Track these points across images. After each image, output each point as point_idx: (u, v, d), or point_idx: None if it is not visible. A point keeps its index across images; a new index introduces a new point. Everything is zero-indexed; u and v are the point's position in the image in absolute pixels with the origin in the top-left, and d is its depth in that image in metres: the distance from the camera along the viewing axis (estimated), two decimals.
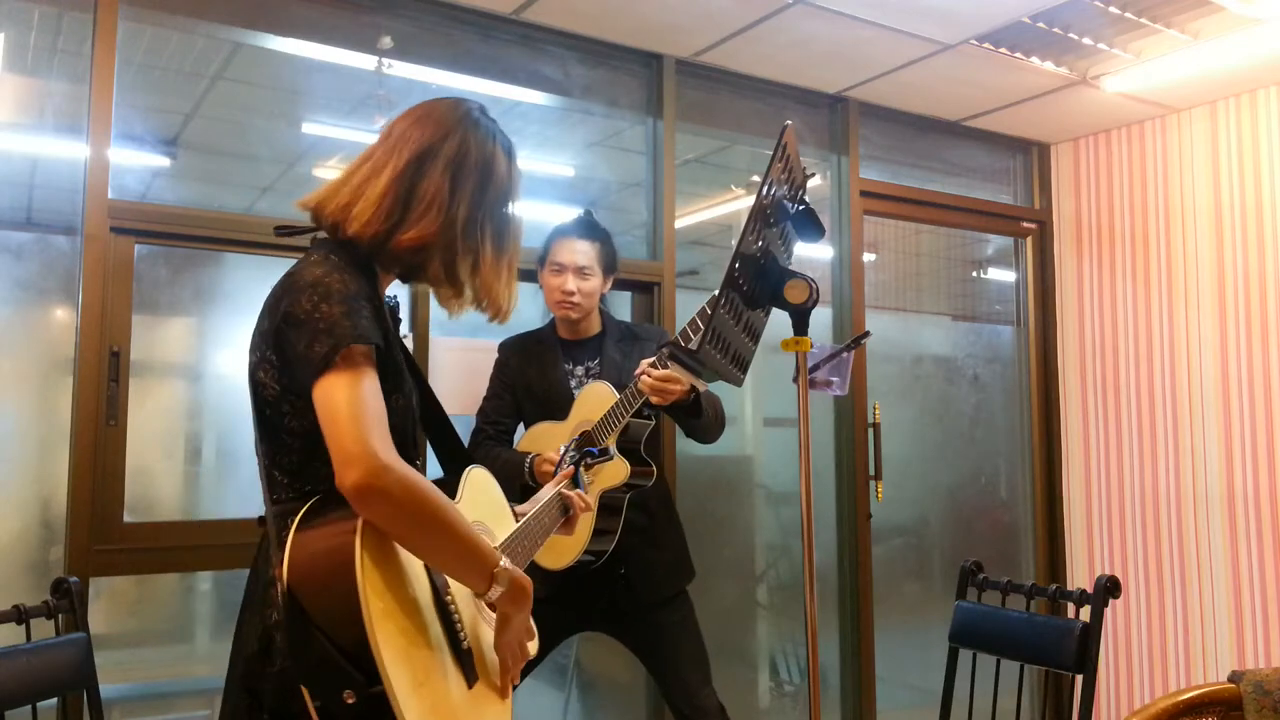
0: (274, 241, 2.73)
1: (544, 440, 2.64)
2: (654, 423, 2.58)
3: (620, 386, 2.51)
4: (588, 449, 2.11)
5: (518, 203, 1.58)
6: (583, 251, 2.67)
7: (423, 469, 1.71)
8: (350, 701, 1.21)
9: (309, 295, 1.36)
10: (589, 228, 2.73)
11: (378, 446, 1.26)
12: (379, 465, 1.25)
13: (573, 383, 2.68)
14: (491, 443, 2.70)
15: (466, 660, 1.41)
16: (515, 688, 1.54)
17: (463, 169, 1.48)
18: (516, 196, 1.57)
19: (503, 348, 2.81)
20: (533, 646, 1.58)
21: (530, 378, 2.71)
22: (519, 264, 1.58)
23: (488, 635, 1.51)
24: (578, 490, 1.93)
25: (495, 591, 1.39)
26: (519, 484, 2.57)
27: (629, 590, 2.60)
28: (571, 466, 1.99)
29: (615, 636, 2.71)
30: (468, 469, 1.62)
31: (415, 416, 1.56)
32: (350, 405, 1.28)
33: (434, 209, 1.45)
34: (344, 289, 1.37)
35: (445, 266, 1.48)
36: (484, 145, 1.52)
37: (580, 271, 2.65)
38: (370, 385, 1.32)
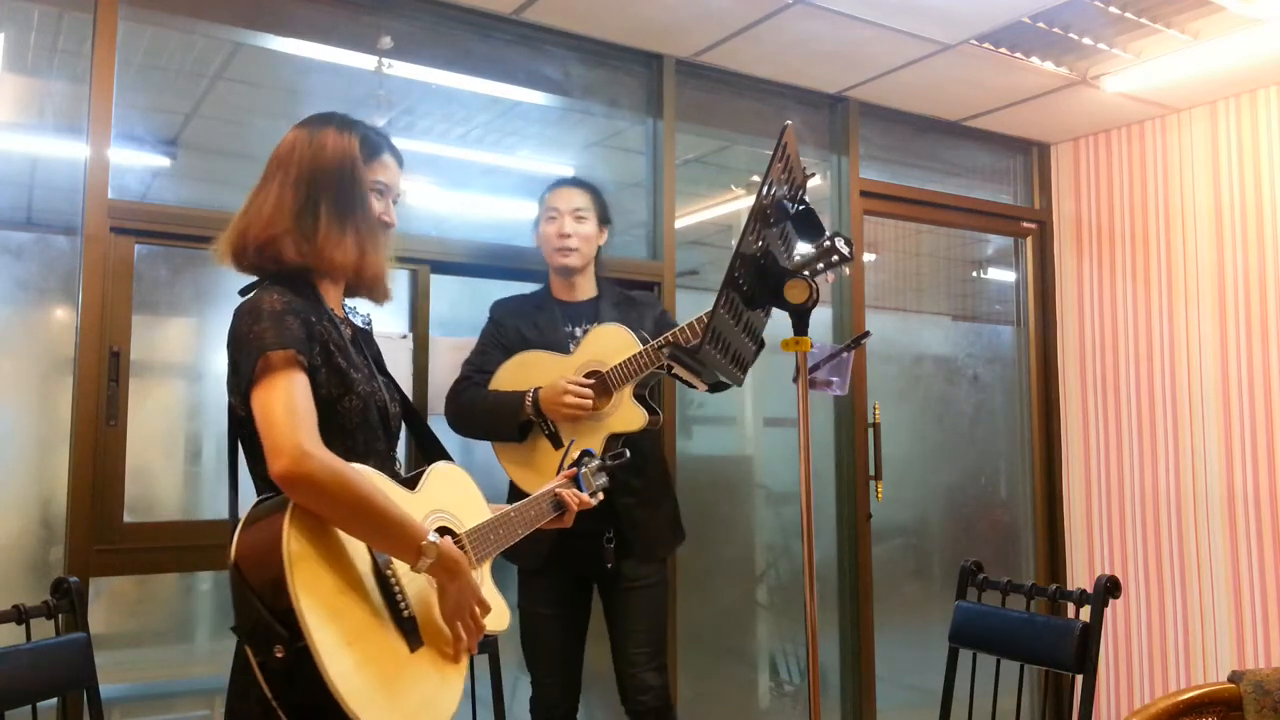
0: None
1: (539, 370, 2.59)
2: (665, 372, 2.57)
3: None
4: (586, 450, 2.13)
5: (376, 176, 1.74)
6: (577, 196, 2.71)
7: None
8: (280, 655, 1.38)
9: (244, 319, 1.58)
10: (580, 180, 2.80)
11: (302, 438, 1.45)
12: (301, 453, 1.43)
13: (572, 345, 2.66)
14: (479, 387, 2.66)
15: (408, 626, 1.55)
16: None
17: (289, 166, 1.69)
18: (352, 175, 1.70)
19: (496, 308, 2.79)
20: (497, 620, 1.72)
21: (529, 338, 2.68)
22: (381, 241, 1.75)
23: None
24: (574, 490, 2.02)
25: (424, 563, 1.53)
26: (517, 420, 2.54)
27: (625, 549, 2.60)
28: (574, 469, 2.05)
29: (601, 595, 2.72)
30: (433, 464, 1.77)
31: (384, 413, 1.72)
32: (277, 404, 1.48)
33: (269, 204, 1.68)
34: (272, 307, 1.57)
35: (295, 248, 1.65)
36: (311, 139, 1.70)
37: (575, 214, 2.68)
38: (296, 386, 1.51)
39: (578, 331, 2.69)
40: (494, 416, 2.60)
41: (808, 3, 3.02)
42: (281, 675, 1.40)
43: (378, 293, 1.77)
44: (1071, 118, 4.09)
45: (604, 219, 2.77)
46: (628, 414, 2.50)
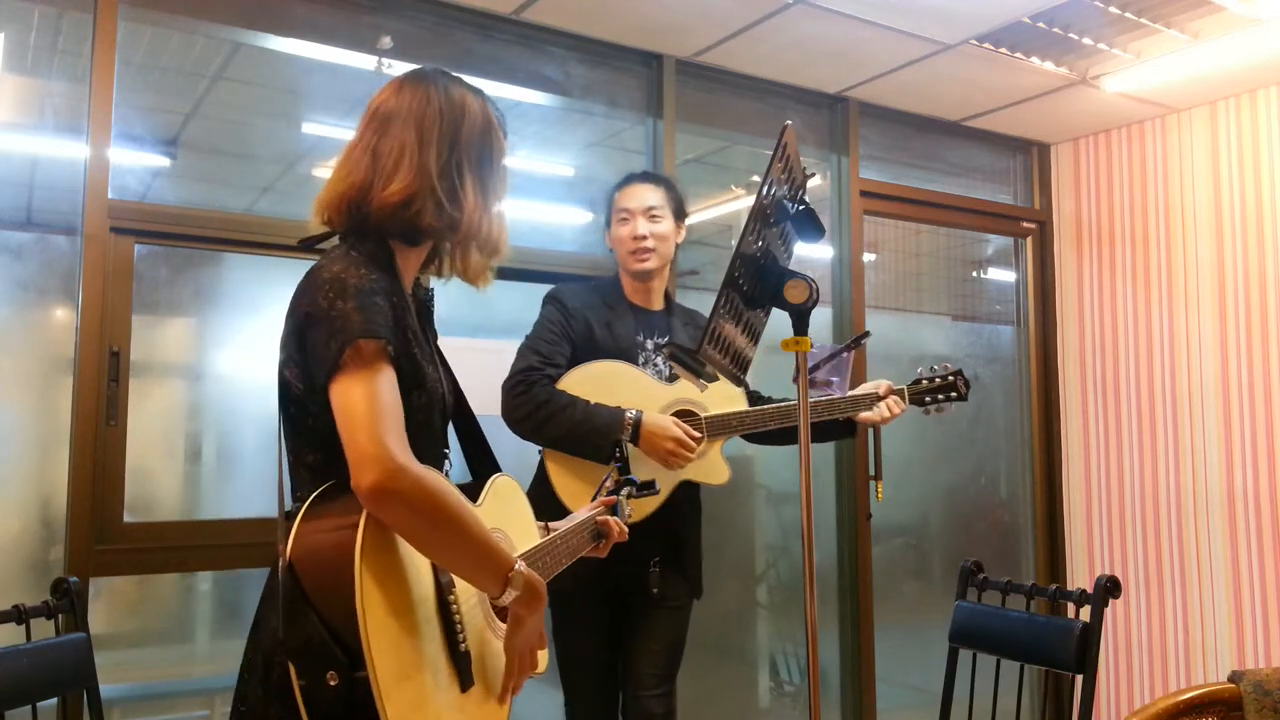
0: (274, 241, 2.73)
1: (624, 389, 2.36)
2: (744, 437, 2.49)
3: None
4: (629, 478, 1.99)
5: (500, 151, 1.57)
6: (649, 193, 2.53)
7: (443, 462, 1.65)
8: (333, 683, 1.21)
9: (325, 292, 1.35)
10: (651, 174, 2.62)
11: (393, 447, 1.25)
12: (394, 467, 1.25)
13: (640, 357, 2.49)
14: (552, 384, 2.38)
15: (463, 662, 1.40)
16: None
17: (425, 120, 1.48)
18: (495, 141, 1.56)
19: (564, 293, 2.53)
20: (542, 658, 1.56)
21: (598, 335, 2.45)
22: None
23: (493, 643, 1.51)
24: (615, 519, 1.87)
25: (509, 595, 1.39)
26: (611, 439, 2.23)
27: (664, 578, 2.47)
28: (612, 495, 1.93)
29: (625, 612, 2.55)
30: (494, 477, 1.62)
31: (443, 410, 1.54)
32: (365, 403, 1.28)
33: (405, 161, 1.45)
34: (360, 284, 1.35)
35: (436, 211, 1.46)
36: (448, 95, 1.51)
37: (649, 213, 2.49)
38: (385, 382, 1.31)
39: (649, 344, 2.52)
40: (586, 432, 2.30)
41: (808, 3, 3.02)
42: (328, 704, 1.22)
43: (486, 276, 1.57)
44: (1071, 118, 4.09)
45: (680, 214, 2.57)
46: (713, 466, 2.36)
